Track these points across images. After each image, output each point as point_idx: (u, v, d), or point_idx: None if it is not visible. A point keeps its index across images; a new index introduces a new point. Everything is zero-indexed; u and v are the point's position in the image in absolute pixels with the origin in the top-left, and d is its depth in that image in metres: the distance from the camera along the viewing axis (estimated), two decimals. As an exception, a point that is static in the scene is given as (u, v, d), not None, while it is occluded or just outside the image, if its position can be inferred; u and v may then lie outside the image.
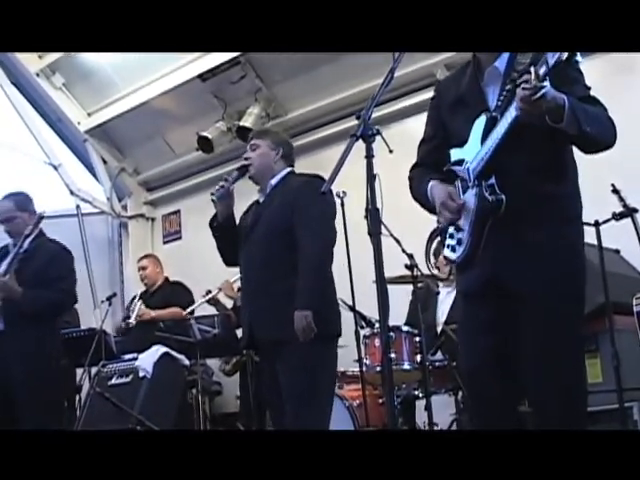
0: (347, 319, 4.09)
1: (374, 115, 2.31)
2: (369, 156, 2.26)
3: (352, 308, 4.46)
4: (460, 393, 4.30)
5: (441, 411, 4.42)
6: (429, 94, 2.77)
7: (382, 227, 2.30)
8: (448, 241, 2.50)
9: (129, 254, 7.95)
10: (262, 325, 3.37)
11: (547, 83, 2.11)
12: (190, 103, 7.05)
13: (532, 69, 2.10)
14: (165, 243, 8.05)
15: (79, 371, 5.44)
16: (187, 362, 5.40)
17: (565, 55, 2.08)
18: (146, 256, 6.72)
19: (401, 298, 4.78)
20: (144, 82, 7.15)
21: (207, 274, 6.05)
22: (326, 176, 2.30)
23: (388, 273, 2.33)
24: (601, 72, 4.70)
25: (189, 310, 5.69)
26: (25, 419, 4.17)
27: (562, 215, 2.37)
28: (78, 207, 7.69)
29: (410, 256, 4.29)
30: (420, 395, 4.37)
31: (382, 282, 2.22)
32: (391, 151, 2.45)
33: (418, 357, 4.27)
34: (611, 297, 3.81)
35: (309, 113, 6.65)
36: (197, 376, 5.57)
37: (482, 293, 2.39)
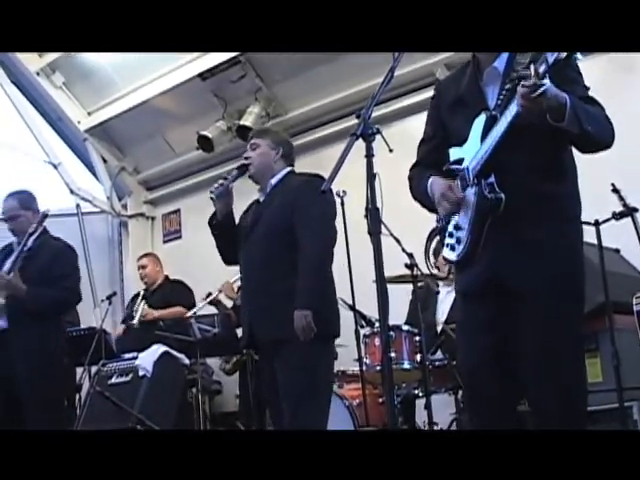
0: (347, 318, 4.10)
1: (374, 114, 2.32)
2: (369, 155, 2.26)
3: (352, 307, 4.47)
4: (460, 392, 4.30)
5: (441, 410, 4.41)
6: (429, 93, 2.78)
7: (382, 226, 2.30)
8: (447, 240, 2.49)
9: (129, 253, 7.95)
10: (262, 324, 3.37)
11: (547, 81, 2.11)
12: (190, 102, 7.05)
13: (532, 67, 2.10)
14: (165, 242, 8.04)
15: (79, 370, 5.44)
16: (187, 361, 5.41)
17: (564, 54, 2.08)
18: (146, 255, 6.72)
19: (401, 297, 4.78)
20: (144, 81, 7.15)
21: (207, 273, 6.05)
22: (326, 175, 2.30)
23: (388, 272, 2.33)
24: (601, 71, 4.71)
25: (191, 313, 5.70)
26: (29, 416, 4.18)
27: (561, 214, 2.37)
28: (78, 206, 7.69)
29: (410, 255, 4.29)
30: (420, 394, 4.37)
31: (382, 281, 2.22)
32: (391, 150, 2.45)
33: (418, 356, 4.27)
34: (611, 296, 3.81)
35: (309, 112, 6.65)
36: (197, 375, 5.58)
37: (482, 292, 2.39)
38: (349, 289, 4.44)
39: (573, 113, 2.17)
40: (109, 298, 6.03)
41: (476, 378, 2.43)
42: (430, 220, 2.62)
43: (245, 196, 3.75)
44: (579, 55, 2.14)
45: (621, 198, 3.89)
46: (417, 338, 4.31)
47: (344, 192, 4.35)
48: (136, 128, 7.52)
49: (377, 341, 4.31)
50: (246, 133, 5.60)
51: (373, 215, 2.24)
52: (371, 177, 2.25)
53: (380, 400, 4.49)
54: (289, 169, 3.62)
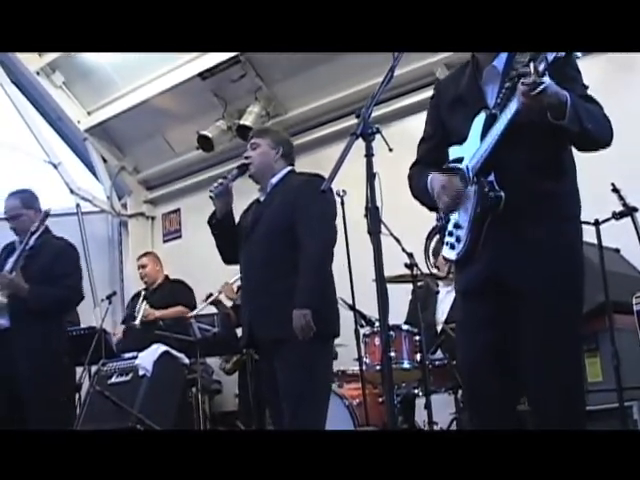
0: (347, 318, 4.10)
1: (374, 114, 2.31)
2: (369, 155, 2.26)
3: (352, 307, 4.47)
4: (460, 392, 4.30)
5: (441, 410, 4.41)
6: (429, 93, 2.78)
7: (382, 226, 2.30)
8: (447, 238, 2.49)
9: (129, 253, 7.95)
10: (262, 324, 3.37)
11: (547, 79, 2.12)
12: (190, 102, 7.05)
13: (531, 64, 2.10)
14: (165, 242, 8.04)
15: (79, 369, 5.44)
16: (187, 361, 5.41)
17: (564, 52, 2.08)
18: (145, 254, 6.72)
19: (401, 297, 4.78)
20: (144, 81, 7.14)
21: (207, 273, 6.05)
22: (326, 175, 2.30)
23: (388, 272, 2.33)
24: (601, 70, 4.71)
25: (193, 314, 5.70)
26: (31, 415, 4.19)
27: (561, 213, 2.38)
28: (78, 206, 7.68)
29: (410, 255, 4.29)
30: (420, 394, 4.37)
31: (382, 281, 2.22)
32: (391, 150, 2.45)
33: (418, 356, 4.27)
34: (611, 296, 3.81)
35: (309, 112, 6.65)
36: (197, 375, 5.58)
37: (481, 290, 2.40)
38: (349, 289, 4.44)
39: (573, 111, 2.17)
40: (109, 298, 6.02)
41: (476, 376, 2.43)
42: (430, 220, 2.61)
43: (245, 195, 3.75)
44: (578, 53, 2.15)
45: (621, 198, 3.89)
46: (417, 338, 4.31)
47: (344, 191, 4.35)
48: (136, 128, 7.52)
49: (377, 341, 4.31)
50: (246, 132, 5.60)
51: (373, 214, 2.24)
52: (371, 176, 2.25)
53: (380, 400, 4.49)
54: (289, 168, 3.62)
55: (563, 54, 2.08)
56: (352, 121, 2.46)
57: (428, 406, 4.11)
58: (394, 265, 4.04)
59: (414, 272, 4.36)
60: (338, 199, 4.11)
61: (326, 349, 3.44)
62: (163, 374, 5.05)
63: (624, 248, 4.40)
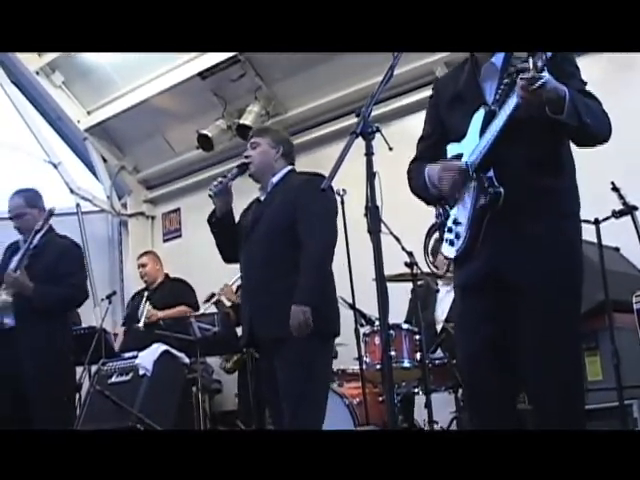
0: (347, 317, 4.10)
1: (374, 113, 2.32)
2: (369, 154, 2.26)
3: (352, 306, 4.47)
4: (460, 391, 4.30)
5: (441, 409, 4.42)
6: (429, 92, 2.78)
7: (382, 225, 2.30)
8: (447, 235, 2.49)
9: (129, 252, 7.95)
10: (263, 323, 3.37)
11: (546, 74, 2.12)
12: (190, 101, 7.05)
13: (530, 60, 2.11)
14: (165, 241, 8.04)
15: (79, 369, 5.44)
16: (187, 360, 5.40)
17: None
18: (145, 253, 6.72)
19: (401, 296, 4.79)
20: (144, 80, 7.14)
21: (207, 272, 6.05)
22: (326, 174, 2.30)
23: (388, 271, 2.33)
24: (601, 69, 4.71)
25: (196, 314, 5.70)
26: (36, 414, 4.19)
27: (560, 209, 2.38)
28: (78, 205, 7.68)
29: (410, 254, 4.29)
30: (420, 393, 4.38)
31: (382, 280, 2.22)
32: (391, 149, 2.46)
33: (418, 355, 4.27)
34: (611, 295, 3.81)
35: (309, 111, 6.65)
36: (197, 374, 5.58)
37: (481, 286, 2.40)
38: (349, 288, 4.44)
39: (572, 106, 2.18)
40: (109, 297, 6.03)
41: (475, 371, 2.43)
42: (430, 219, 2.62)
43: (245, 195, 3.75)
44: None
45: (621, 196, 3.89)
46: (417, 337, 4.31)
47: (344, 191, 4.36)
48: (136, 127, 7.52)
49: (377, 340, 4.32)
50: (246, 132, 5.61)
51: (373, 213, 2.24)
52: (371, 175, 2.25)
53: (380, 399, 4.50)
54: (290, 168, 3.62)
55: (561, 50, 2.09)
56: (352, 120, 2.46)
57: (428, 405, 4.12)
58: (394, 264, 4.04)
59: (414, 271, 4.36)
60: (338, 198, 4.11)
61: (326, 348, 3.44)
62: (163, 373, 5.04)
63: (624, 247, 4.41)
